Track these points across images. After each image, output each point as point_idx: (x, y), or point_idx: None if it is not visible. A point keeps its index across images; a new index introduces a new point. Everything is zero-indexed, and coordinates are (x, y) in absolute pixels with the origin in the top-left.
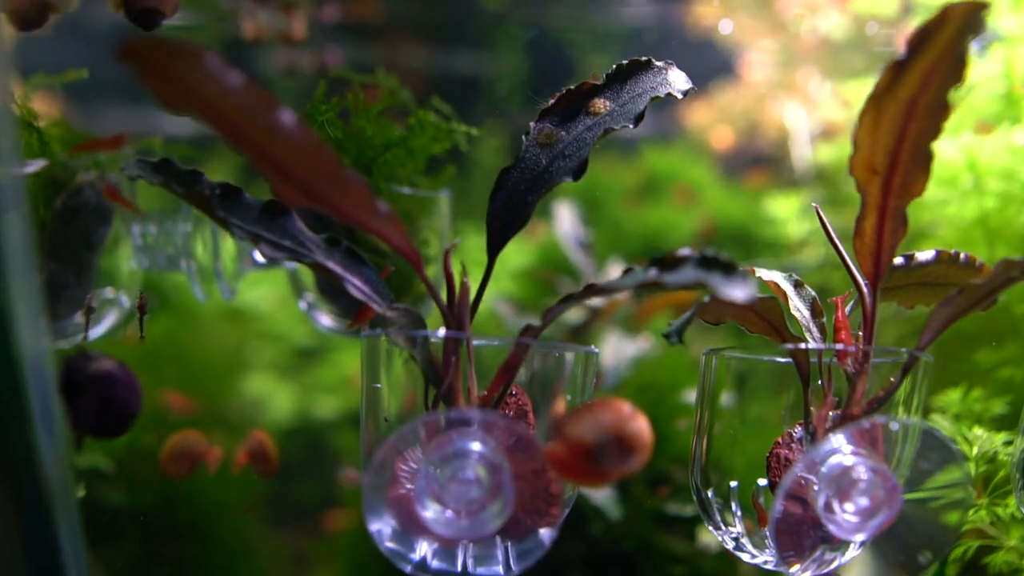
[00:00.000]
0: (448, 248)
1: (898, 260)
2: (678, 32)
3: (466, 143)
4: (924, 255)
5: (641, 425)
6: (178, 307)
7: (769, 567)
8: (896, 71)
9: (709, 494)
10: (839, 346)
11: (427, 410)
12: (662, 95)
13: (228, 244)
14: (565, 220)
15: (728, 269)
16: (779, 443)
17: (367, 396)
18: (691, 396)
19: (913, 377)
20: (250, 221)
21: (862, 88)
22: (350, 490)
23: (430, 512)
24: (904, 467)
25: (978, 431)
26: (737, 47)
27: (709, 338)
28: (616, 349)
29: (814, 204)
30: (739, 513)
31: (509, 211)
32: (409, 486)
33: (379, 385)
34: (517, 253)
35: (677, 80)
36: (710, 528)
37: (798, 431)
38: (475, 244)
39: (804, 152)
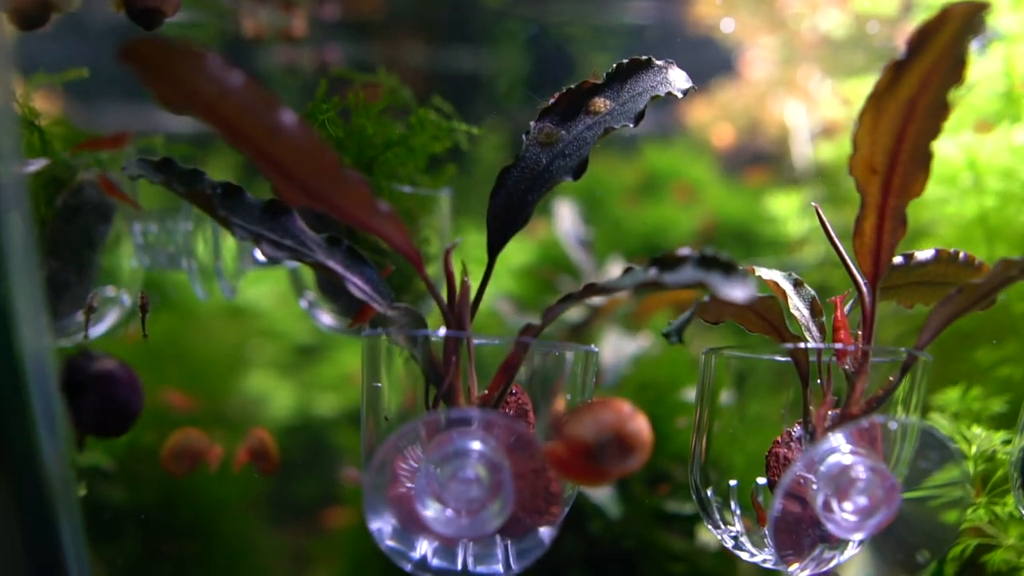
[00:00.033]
0: (449, 248)
1: (897, 259)
2: (679, 29)
3: (467, 142)
4: (923, 254)
5: (641, 424)
6: (178, 305)
7: (768, 566)
8: (896, 71)
9: (708, 493)
10: (838, 345)
11: (427, 409)
12: (662, 94)
13: (229, 242)
14: (565, 218)
15: (728, 269)
16: (778, 442)
17: (367, 395)
18: (691, 394)
19: (912, 376)
20: (251, 220)
21: (862, 86)
22: (350, 488)
23: (430, 511)
24: (903, 466)
25: (977, 430)
26: (737, 44)
27: (709, 336)
28: (616, 347)
29: (814, 204)
30: (738, 512)
31: (509, 210)
32: (409, 485)
33: (379, 384)
34: (517, 251)
35: (677, 79)
36: (709, 527)
37: (797, 430)
38: (475, 242)
39: (804, 150)
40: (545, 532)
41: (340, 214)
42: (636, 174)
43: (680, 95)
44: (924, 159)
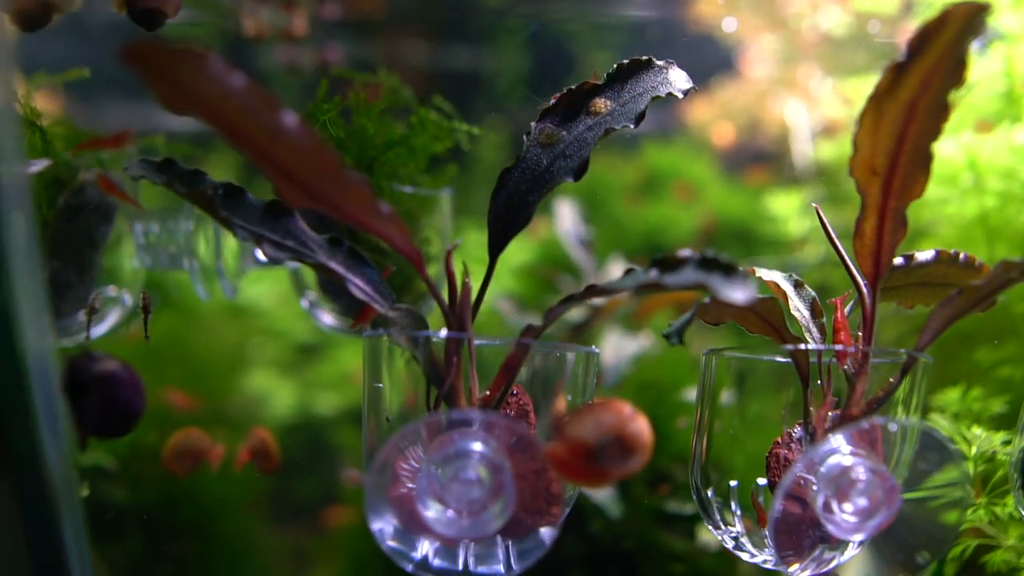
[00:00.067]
0: (450, 249)
1: (898, 260)
2: (679, 27)
3: (467, 142)
4: (924, 255)
5: (641, 426)
6: (179, 304)
7: (769, 566)
8: (896, 73)
9: (709, 493)
10: (838, 347)
11: (429, 410)
12: (663, 95)
13: (230, 242)
14: (566, 218)
15: (728, 271)
16: (778, 443)
17: (369, 395)
18: (691, 394)
19: (912, 377)
20: (253, 221)
21: (863, 85)
22: (351, 488)
23: (432, 512)
24: (903, 467)
25: (977, 430)
26: (738, 43)
27: (709, 336)
28: (617, 347)
29: (814, 205)
30: (739, 512)
31: (510, 211)
32: (411, 485)
33: (381, 385)
34: (518, 250)
35: (678, 79)
36: (710, 527)
37: (797, 431)
38: (476, 241)
39: (805, 149)
40: (546, 533)
41: (341, 215)
42: (637, 173)
43: (681, 96)
44: (924, 160)
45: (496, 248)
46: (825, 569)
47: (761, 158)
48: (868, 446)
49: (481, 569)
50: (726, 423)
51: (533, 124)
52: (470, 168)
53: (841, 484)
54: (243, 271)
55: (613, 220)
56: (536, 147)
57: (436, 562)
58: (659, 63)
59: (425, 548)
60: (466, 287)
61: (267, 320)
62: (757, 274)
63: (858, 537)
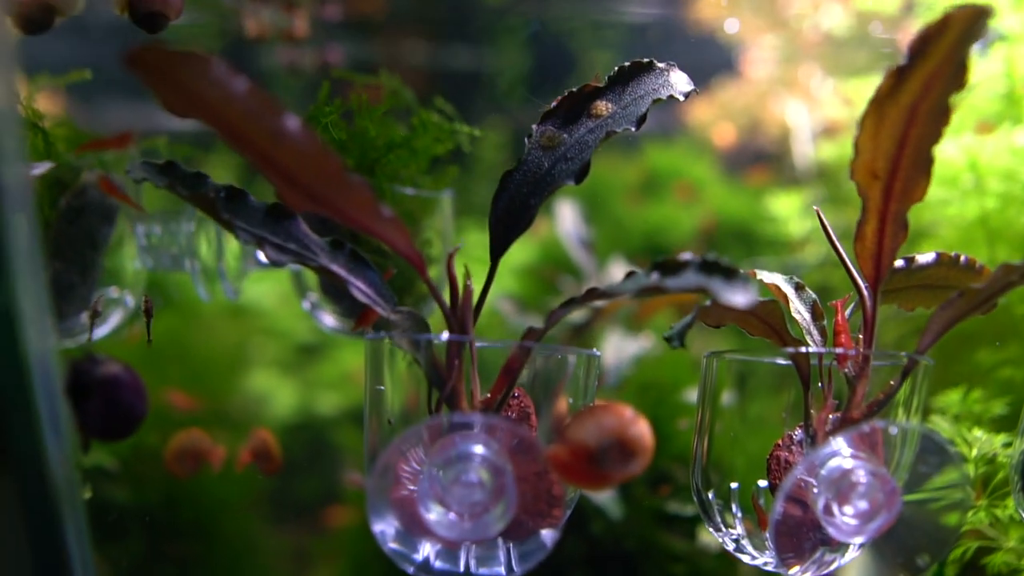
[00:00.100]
0: (452, 252)
1: (899, 263)
2: (680, 27)
3: (469, 144)
4: (924, 257)
5: (643, 429)
6: (180, 304)
7: (769, 568)
8: (898, 76)
9: (710, 495)
10: (839, 350)
11: (430, 412)
12: (664, 97)
13: (232, 244)
14: (567, 219)
15: (729, 274)
16: (779, 445)
17: (371, 398)
18: (692, 395)
19: (913, 380)
20: (255, 224)
21: (864, 86)
22: (353, 489)
23: (433, 514)
24: (903, 470)
25: (978, 432)
26: (739, 43)
27: (710, 337)
28: (617, 348)
29: (816, 208)
30: (739, 514)
31: (512, 214)
32: (412, 487)
33: (382, 387)
34: (519, 250)
35: (679, 82)
36: (711, 529)
37: (798, 433)
38: (476, 241)
39: (806, 150)
40: (547, 535)
41: (344, 219)
42: (638, 173)
43: (682, 98)
44: (925, 164)
45: (498, 251)
46: (826, 571)
47: (762, 158)
48: (869, 449)
49: (482, 571)
50: (727, 425)
51: (534, 127)
52: (471, 167)
53: (842, 487)
54: (245, 273)
55: (614, 220)
56: (537, 150)
57: (437, 564)
58: (660, 65)
59: (427, 550)
60: (467, 290)
61: (268, 320)
62: (758, 277)
63: (858, 540)
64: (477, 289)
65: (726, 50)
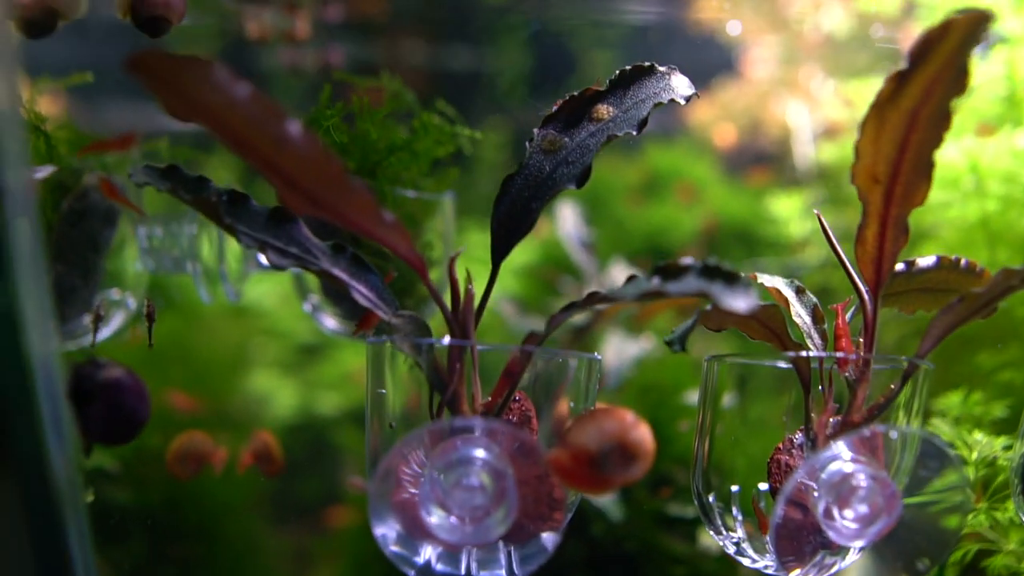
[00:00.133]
0: (453, 256)
1: (899, 266)
2: (680, 27)
3: (470, 147)
4: (925, 261)
5: (644, 433)
6: (181, 305)
7: (770, 572)
8: (898, 81)
9: (710, 499)
10: (840, 354)
11: (431, 416)
12: (665, 101)
13: (233, 246)
14: (568, 220)
15: (730, 279)
16: (780, 449)
17: (372, 401)
18: (693, 397)
19: (913, 383)
20: (257, 228)
21: (865, 87)
22: (355, 492)
23: (435, 518)
24: (904, 474)
25: (978, 435)
26: (739, 43)
27: (711, 339)
28: (618, 350)
29: (816, 212)
30: (740, 518)
31: (513, 218)
32: (414, 491)
33: (384, 391)
34: (520, 251)
35: (680, 86)
36: (711, 532)
37: (799, 437)
38: (477, 241)
39: (806, 150)
40: (548, 538)
41: (346, 223)
42: (639, 174)
43: (683, 102)
44: (926, 169)
45: (499, 255)
46: (826, 575)
47: (763, 159)
48: (869, 453)
49: (483, 574)
50: (727, 428)
51: (536, 131)
52: (471, 167)
53: (842, 491)
54: (246, 275)
55: (615, 221)
56: (539, 154)
57: (439, 567)
58: (661, 69)
59: (428, 553)
60: (469, 294)
61: (269, 320)
62: (759, 280)
63: (859, 543)
64: (478, 292)
65: (727, 50)
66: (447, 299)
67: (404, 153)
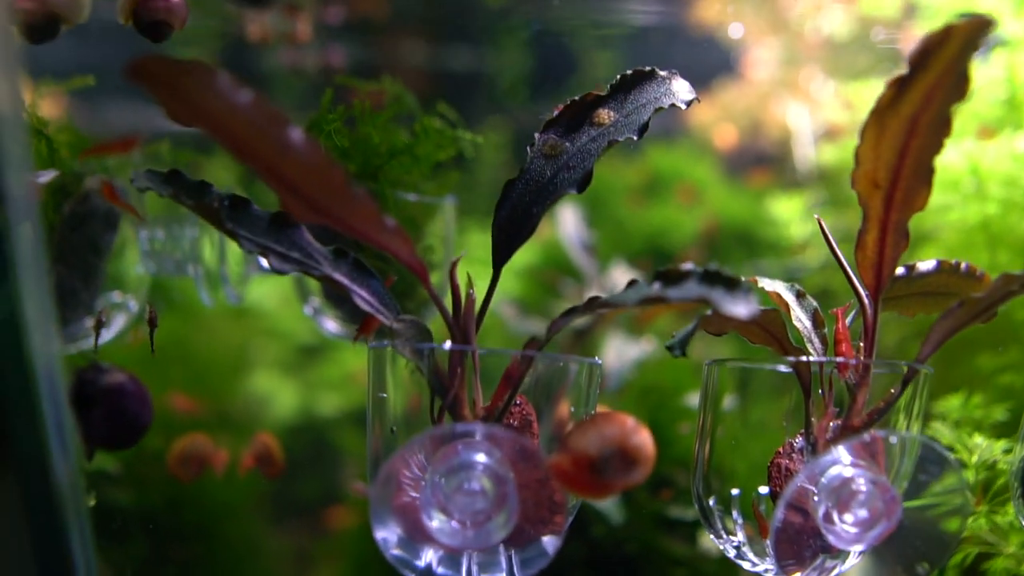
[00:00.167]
0: (454, 262)
1: (899, 270)
2: (681, 28)
3: (472, 151)
4: (925, 265)
5: (644, 438)
6: (182, 306)
7: (770, 575)
8: (899, 87)
9: (711, 502)
10: (840, 359)
11: (433, 420)
12: (666, 106)
13: (234, 249)
14: (569, 223)
15: (731, 285)
16: (780, 453)
17: (373, 405)
18: (694, 399)
19: (913, 388)
20: (258, 233)
21: (865, 89)
22: (356, 497)
23: (436, 522)
24: (903, 478)
25: (978, 438)
26: (740, 45)
27: (712, 342)
28: (619, 352)
29: (816, 216)
30: (740, 521)
31: (514, 222)
32: (415, 494)
33: (385, 394)
34: (521, 252)
35: (681, 90)
36: (711, 536)
37: (799, 441)
38: (478, 242)
39: (807, 152)
40: (549, 541)
41: (348, 230)
42: (639, 175)
43: (684, 107)
44: (926, 174)
45: (500, 260)
46: None
47: (763, 161)
48: (869, 457)
49: None
50: (728, 431)
51: (537, 135)
52: (472, 168)
53: (842, 495)
54: (247, 277)
55: (615, 222)
56: (540, 158)
57: (440, 570)
58: (662, 73)
59: (429, 556)
60: (470, 298)
61: (269, 321)
62: (760, 284)
63: (858, 547)
64: (479, 296)
65: (727, 51)
66: (448, 303)
67: (405, 157)
